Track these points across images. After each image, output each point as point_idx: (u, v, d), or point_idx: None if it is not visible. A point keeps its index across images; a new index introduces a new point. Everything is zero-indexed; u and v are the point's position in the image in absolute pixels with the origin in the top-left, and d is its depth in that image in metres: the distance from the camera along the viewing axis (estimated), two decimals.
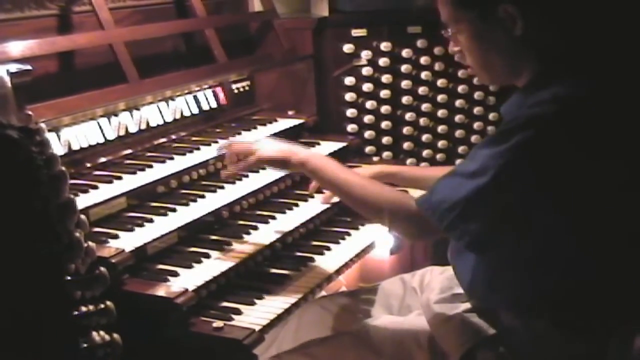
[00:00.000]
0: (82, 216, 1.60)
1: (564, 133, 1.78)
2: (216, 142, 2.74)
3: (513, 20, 1.86)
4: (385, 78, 3.35)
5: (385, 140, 3.39)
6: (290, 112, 3.13)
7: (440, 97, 3.42)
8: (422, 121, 3.42)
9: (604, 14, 1.96)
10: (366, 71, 3.33)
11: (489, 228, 1.87)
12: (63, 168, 1.53)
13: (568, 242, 1.86)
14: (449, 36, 2.01)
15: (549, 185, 1.80)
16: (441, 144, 3.47)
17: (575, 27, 1.92)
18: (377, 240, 2.52)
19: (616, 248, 1.88)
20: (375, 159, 3.28)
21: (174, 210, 2.30)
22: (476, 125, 3.48)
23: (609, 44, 1.97)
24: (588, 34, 1.94)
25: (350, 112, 3.35)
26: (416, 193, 2.13)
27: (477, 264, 2.01)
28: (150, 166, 2.48)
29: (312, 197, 2.64)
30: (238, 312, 2.02)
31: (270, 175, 2.62)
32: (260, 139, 2.35)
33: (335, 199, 2.53)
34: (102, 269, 1.58)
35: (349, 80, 3.32)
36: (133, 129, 2.60)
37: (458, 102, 3.45)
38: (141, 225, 2.19)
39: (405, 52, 3.35)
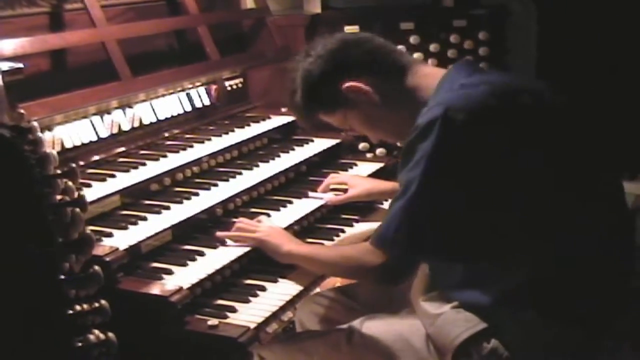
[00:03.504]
0: None
1: (457, 131, 1.85)
2: (209, 139, 2.73)
3: (362, 91, 2.05)
4: None
5: None
6: (283, 109, 3.12)
7: None
8: None
9: None
10: None
11: (437, 235, 1.92)
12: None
13: (508, 233, 1.91)
14: (356, 134, 2.15)
15: (466, 182, 1.87)
16: None
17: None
18: None
19: (559, 238, 1.92)
20: (368, 155, 3.27)
21: (167, 208, 2.30)
22: None
23: None
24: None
25: None
26: None
27: (450, 267, 2.05)
28: (144, 164, 2.47)
29: (307, 194, 2.64)
30: (233, 310, 2.02)
31: (263, 172, 2.62)
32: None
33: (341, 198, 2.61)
34: (97, 267, 1.58)
35: None
36: (126, 126, 2.60)
37: None
38: (135, 224, 2.19)
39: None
